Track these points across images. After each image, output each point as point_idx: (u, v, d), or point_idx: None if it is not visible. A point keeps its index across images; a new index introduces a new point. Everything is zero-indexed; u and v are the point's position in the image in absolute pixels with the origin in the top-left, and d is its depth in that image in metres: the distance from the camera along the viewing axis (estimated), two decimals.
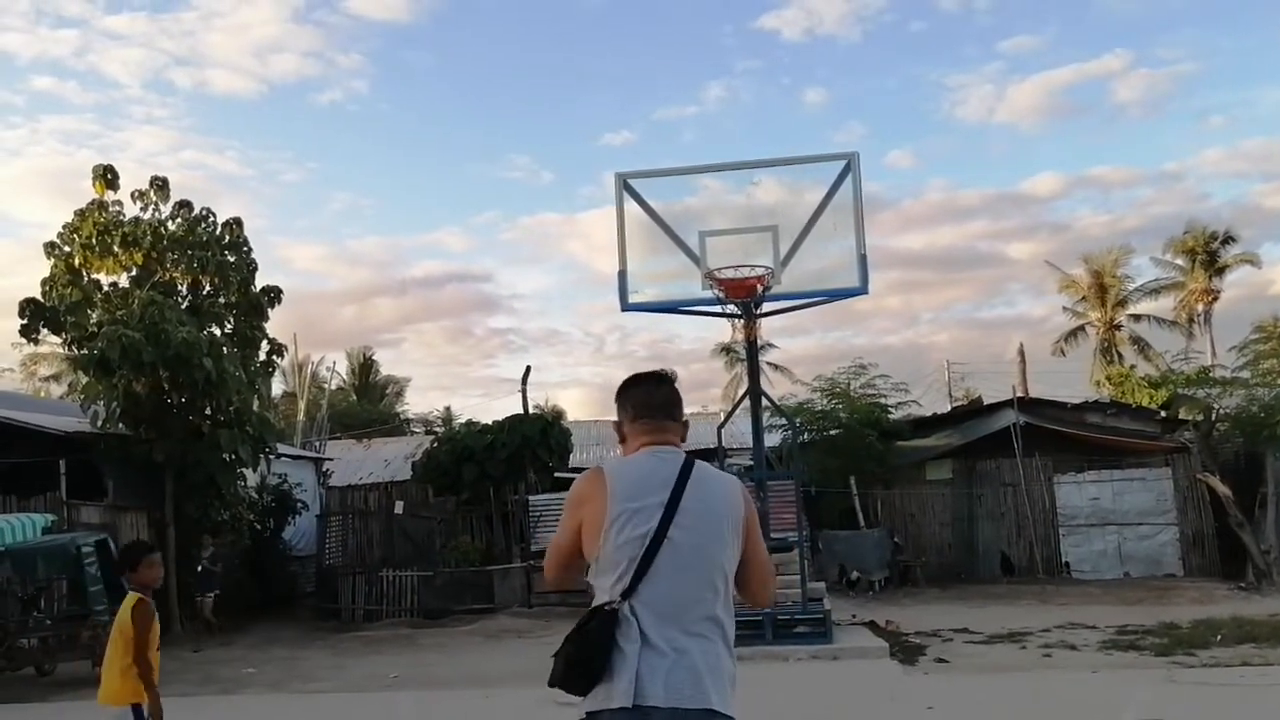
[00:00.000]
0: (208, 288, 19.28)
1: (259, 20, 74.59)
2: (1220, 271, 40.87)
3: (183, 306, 18.17)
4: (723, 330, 15.00)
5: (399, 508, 21.49)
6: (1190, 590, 17.59)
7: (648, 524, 2.94)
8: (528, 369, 24.95)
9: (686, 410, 3.40)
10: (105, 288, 18.88)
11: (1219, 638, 12.31)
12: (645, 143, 76.58)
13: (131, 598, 5.63)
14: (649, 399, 3.25)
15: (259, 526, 20.47)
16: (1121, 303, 41.28)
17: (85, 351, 17.07)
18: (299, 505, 21.52)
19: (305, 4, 76.85)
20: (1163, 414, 21.84)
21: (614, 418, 3.34)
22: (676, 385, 3.34)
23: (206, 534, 17.43)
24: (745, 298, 13.52)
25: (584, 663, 2.89)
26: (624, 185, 13.77)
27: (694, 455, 3.20)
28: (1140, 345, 39.75)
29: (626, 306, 13.70)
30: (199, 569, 16.98)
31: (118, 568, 6.38)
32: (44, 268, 18.69)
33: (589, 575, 3.07)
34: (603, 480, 3.05)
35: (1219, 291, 40.80)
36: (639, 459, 3.15)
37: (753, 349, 14.48)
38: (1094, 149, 76.72)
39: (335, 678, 12.88)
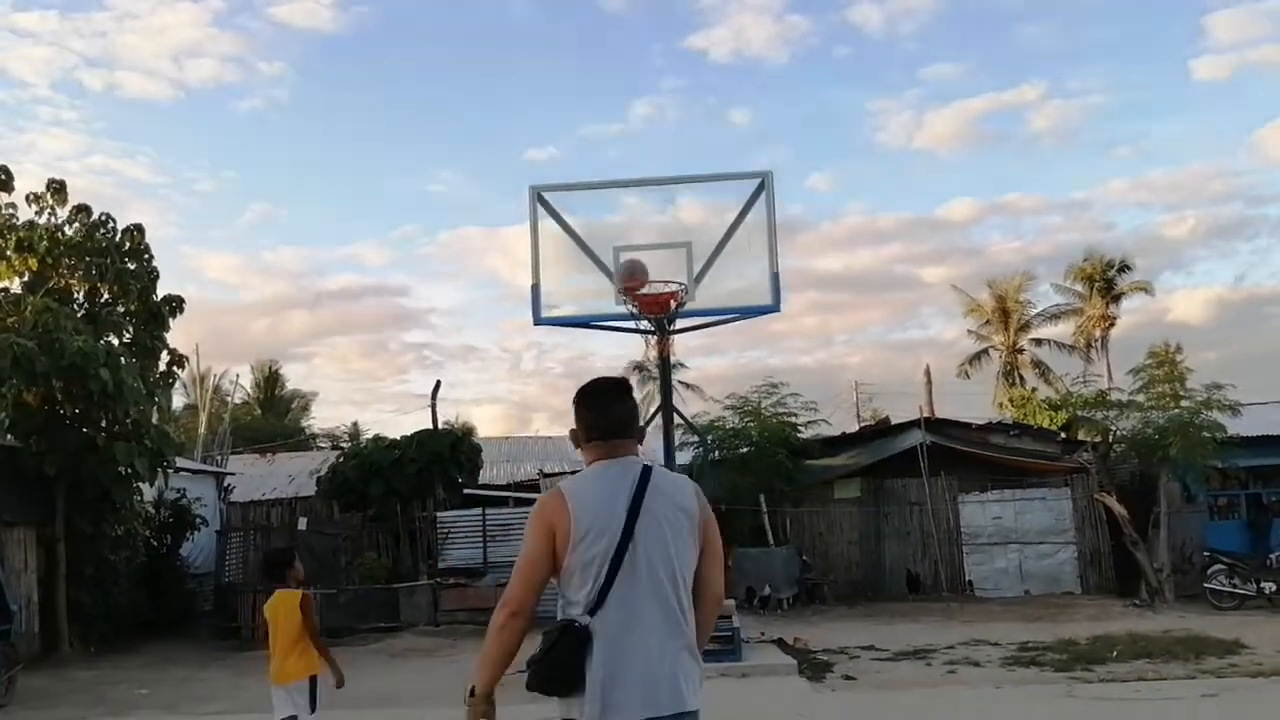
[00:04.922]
0: (106, 296, 18.60)
1: (178, 23, 72.95)
2: (1117, 298, 42.21)
3: (79, 315, 17.52)
4: (640, 349, 15.01)
5: (302, 524, 20.99)
6: (1088, 607, 18.03)
7: (609, 540, 3.03)
8: (438, 383, 24.81)
9: None
10: None
11: (1115, 653, 12.62)
12: (570, 159, 76.67)
13: (295, 594, 6.71)
14: (605, 421, 3.28)
15: (155, 543, 19.85)
16: (1024, 327, 42.41)
17: None
18: (198, 521, 20.89)
19: (227, 8, 75.39)
20: (1062, 435, 22.41)
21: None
22: (633, 395, 3.43)
23: None
24: (659, 313, 13.53)
25: (555, 679, 3.04)
26: (538, 198, 13.70)
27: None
28: (1041, 369, 40.84)
29: (539, 320, 13.63)
30: None
31: (274, 577, 7.04)
32: None
33: (559, 588, 3.15)
34: (563, 500, 3.11)
35: (1116, 317, 42.17)
36: (596, 474, 3.21)
37: (665, 365, 14.50)
38: (1007, 176, 79.03)
39: (233, 698, 12.47)
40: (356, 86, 77.65)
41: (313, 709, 6.71)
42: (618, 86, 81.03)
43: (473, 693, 3.16)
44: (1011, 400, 36.12)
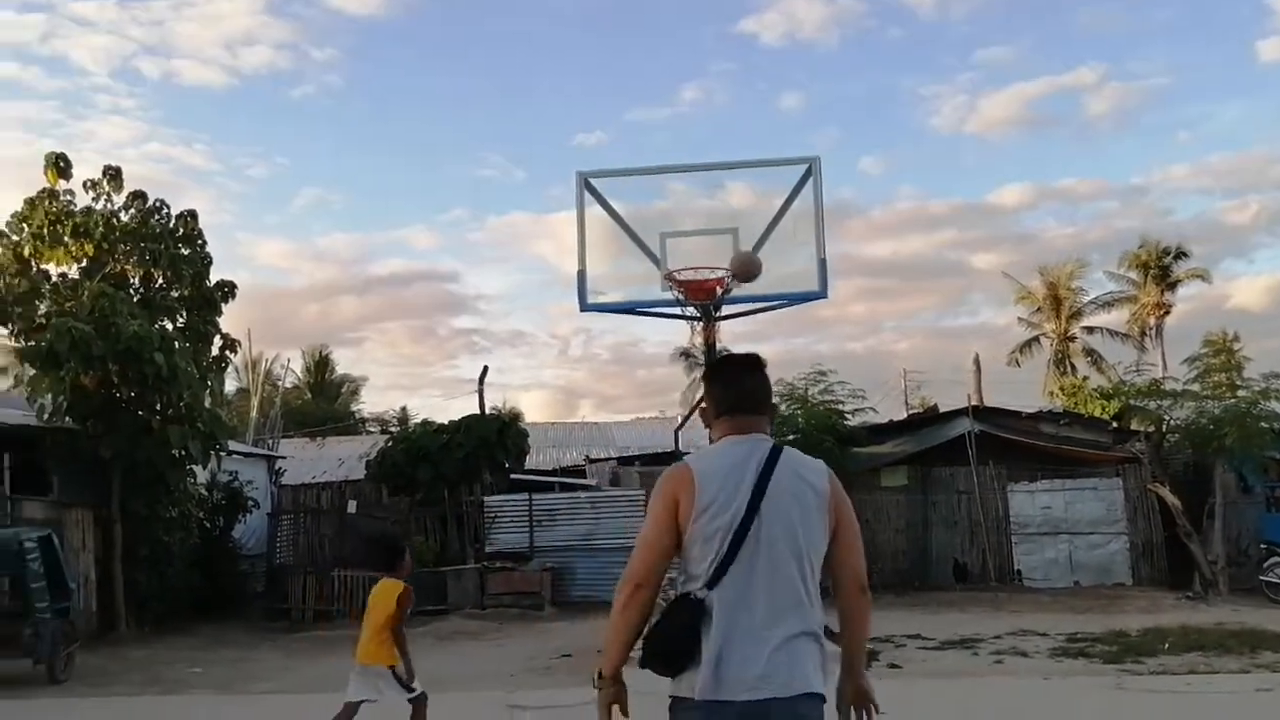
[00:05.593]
0: (160, 281, 18.93)
1: (232, 11, 73.88)
2: (1172, 286, 41.46)
3: (134, 299, 17.83)
4: (686, 335, 14.98)
5: (352, 507, 21.25)
6: (1139, 599, 17.78)
7: (733, 514, 2.95)
8: (485, 369, 24.93)
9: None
10: (55, 279, 18.48)
11: (1167, 646, 12.43)
12: (617, 144, 76.71)
13: (397, 584, 6.88)
14: (736, 396, 3.22)
15: (208, 524, 20.17)
16: (1076, 315, 41.78)
17: (33, 343, 16.68)
18: (250, 503, 21.21)
19: None
20: (1114, 425, 22.07)
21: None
22: (765, 372, 3.33)
23: None
24: (705, 300, 13.48)
25: (668, 652, 2.94)
26: (585, 184, 13.67)
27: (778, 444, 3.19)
28: (1093, 357, 40.24)
29: (585, 306, 13.62)
30: None
31: (382, 565, 7.18)
32: None
33: (680, 561, 3.07)
34: (689, 472, 3.05)
35: (1171, 305, 41.43)
36: (723, 449, 3.14)
37: (712, 351, 14.44)
38: (1063, 161, 77.87)
39: (284, 679, 12.68)
40: (406, 71, 78.35)
41: (406, 690, 6.91)
42: (667, 71, 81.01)
43: (600, 675, 3.09)
44: (1062, 389, 35.66)
